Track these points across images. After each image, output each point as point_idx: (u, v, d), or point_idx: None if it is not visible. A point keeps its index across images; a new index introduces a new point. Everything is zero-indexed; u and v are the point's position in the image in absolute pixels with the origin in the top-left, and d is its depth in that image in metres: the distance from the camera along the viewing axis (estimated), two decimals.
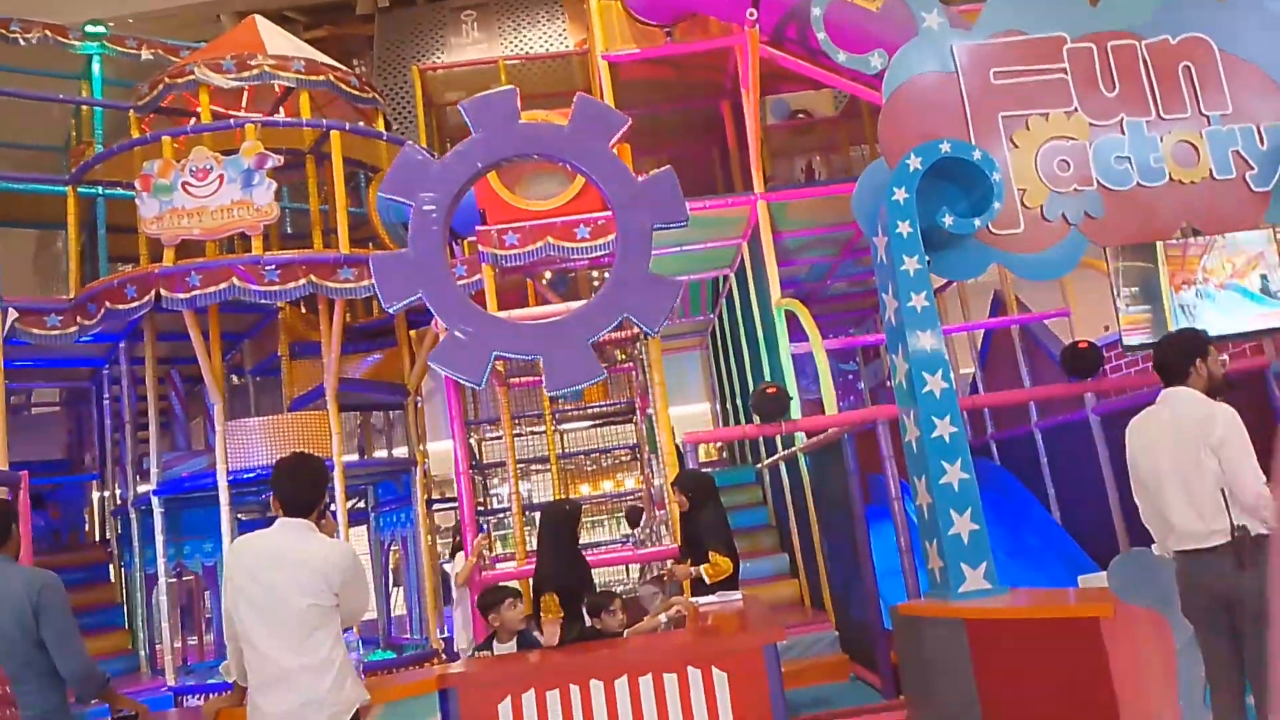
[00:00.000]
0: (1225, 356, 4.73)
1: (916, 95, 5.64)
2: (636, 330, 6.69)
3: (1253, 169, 5.66)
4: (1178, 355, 3.79)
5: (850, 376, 13.67)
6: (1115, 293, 5.67)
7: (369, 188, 9.87)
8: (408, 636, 9.70)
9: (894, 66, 5.67)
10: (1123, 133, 5.65)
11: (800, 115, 13.32)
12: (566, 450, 10.54)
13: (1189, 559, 3.57)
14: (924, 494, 5.10)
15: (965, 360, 10.97)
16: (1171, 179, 5.63)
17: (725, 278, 10.94)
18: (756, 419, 6.86)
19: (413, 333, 9.44)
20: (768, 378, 8.73)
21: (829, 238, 9.60)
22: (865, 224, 5.56)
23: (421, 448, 9.68)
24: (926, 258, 5.24)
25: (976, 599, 4.79)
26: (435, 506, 10.04)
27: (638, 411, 9.39)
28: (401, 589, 10.18)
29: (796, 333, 8.21)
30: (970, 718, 4.56)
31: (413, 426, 9.36)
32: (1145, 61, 5.73)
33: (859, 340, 10.69)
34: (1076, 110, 5.66)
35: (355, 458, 10.81)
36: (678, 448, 7.52)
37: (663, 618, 4.08)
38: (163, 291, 7.85)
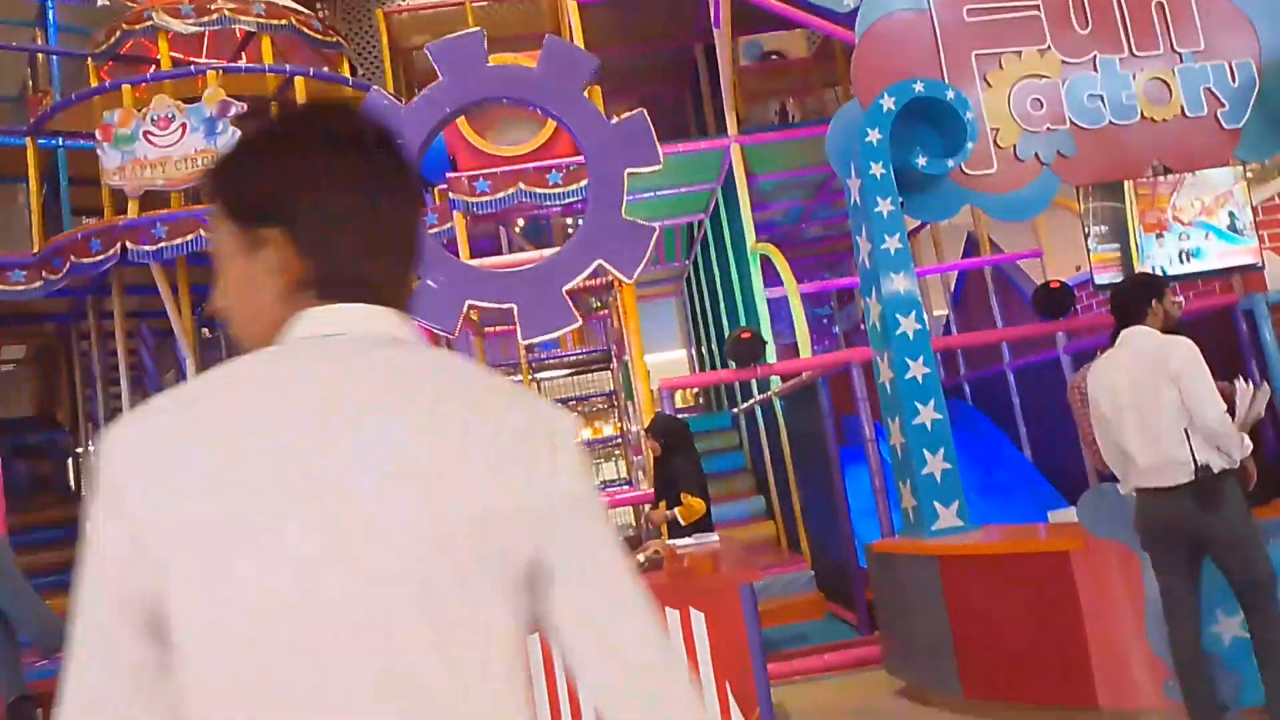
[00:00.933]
0: (1180, 298, 4.78)
1: (889, 34, 5.59)
2: (612, 277, 6.66)
3: (1223, 106, 5.67)
4: (1135, 296, 3.80)
5: (825, 320, 13.72)
6: (1086, 232, 5.70)
7: None
8: None
9: (866, 5, 5.61)
10: (1095, 70, 5.63)
11: (773, 57, 13.17)
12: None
13: (1150, 497, 3.61)
14: (897, 435, 5.15)
15: (939, 302, 11.03)
16: (1143, 117, 5.63)
17: (700, 223, 10.89)
18: (732, 364, 6.88)
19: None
20: (743, 323, 8.74)
21: (803, 180, 9.56)
22: (839, 166, 5.53)
23: None
24: (900, 199, 5.24)
25: (949, 536, 4.87)
26: None
27: (614, 359, 9.40)
28: None
29: (771, 277, 8.20)
30: (943, 651, 4.66)
31: None
32: (1119, 0, 5.70)
33: (833, 284, 10.72)
34: (1049, 48, 5.62)
35: None
36: (654, 394, 7.55)
37: (640, 557, 4.12)
38: (128, 244, 7.72)
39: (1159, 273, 5.53)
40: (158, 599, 0.86)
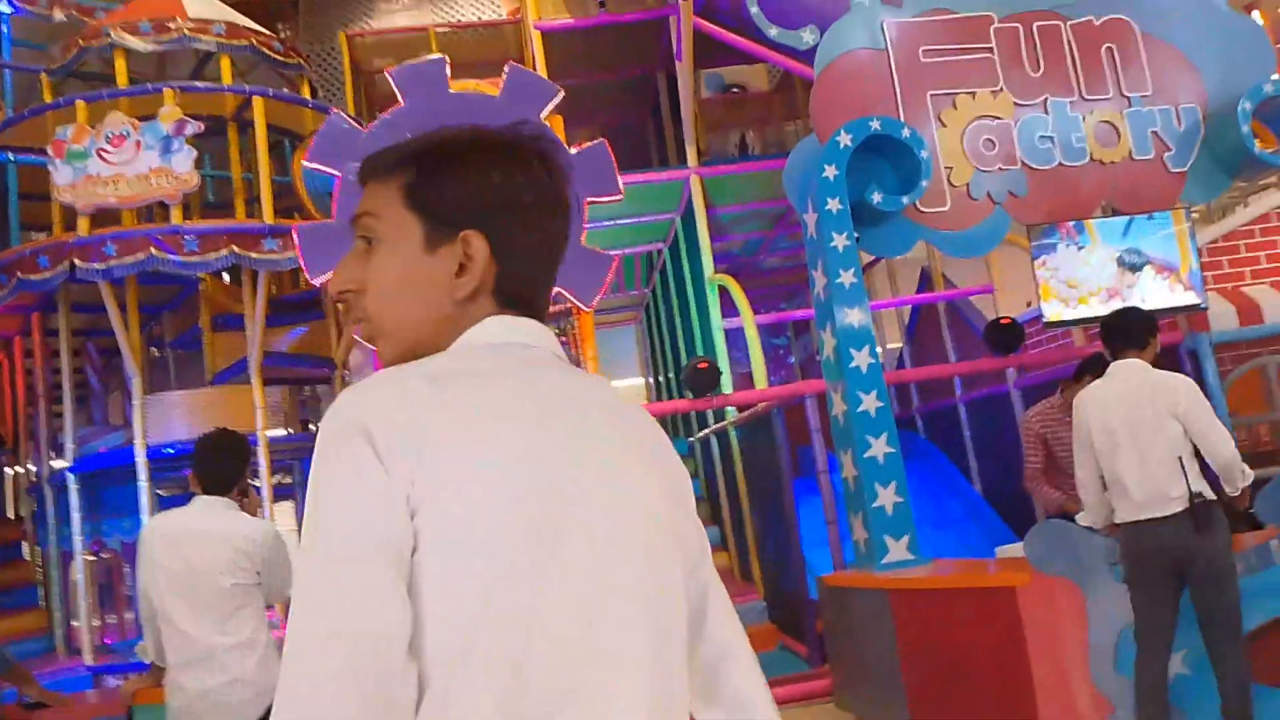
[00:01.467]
0: None
1: (847, 71, 5.67)
2: (570, 304, 6.66)
3: (1170, 149, 5.82)
4: (1139, 328, 3.92)
5: (781, 350, 13.80)
6: (1035, 270, 5.80)
7: (294, 156, 9.61)
8: None
9: (825, 42, 5.69)
10: (1046, 112, 5.76)
11: (735, 90, 13.32)
12: None
13: (1143, 527, 3.67)
14: (850, 467, 5.18)
15: (893, 335, 11.16)
16: (1093, 158, 5.76)
17: (659, 252, 10.93)
18: (689, 393, 6.89)
19: (341, 305, 9.25)
20: (700, 352, 8.77)
21: (762, 212, 9.64)
22: (796, 200, 5.59)
23: None
24: (855, 234, 5.30)
25: (899, 569, 4.90)
26: None
27: None
28: None
29: (729, 307, 8.25)
30: (893, 684, 4.67)
31: None
32: (1069, 42, 5.84)
33: (789, 315, 10.79)
34: (1002, 89, 5.74)
35: (282, 433, 10.60)
36: None
37: None
38: (77, 262, 7.57)
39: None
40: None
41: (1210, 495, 3.64)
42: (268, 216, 8.18)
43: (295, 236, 6.15)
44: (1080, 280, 5.75)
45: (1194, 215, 6.01)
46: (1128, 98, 5.84)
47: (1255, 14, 12.83)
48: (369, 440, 0.84)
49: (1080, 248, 5.76)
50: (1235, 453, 3.68)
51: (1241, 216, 7.11)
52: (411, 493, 0.83)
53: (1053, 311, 5.81)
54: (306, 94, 9.63)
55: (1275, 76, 5.78)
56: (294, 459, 10.12)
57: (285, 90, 9.28)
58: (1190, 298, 5.86)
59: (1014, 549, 5.01)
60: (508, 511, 0.86)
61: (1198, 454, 3.72)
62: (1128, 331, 3.92)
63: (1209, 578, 3.62)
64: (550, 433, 0.91)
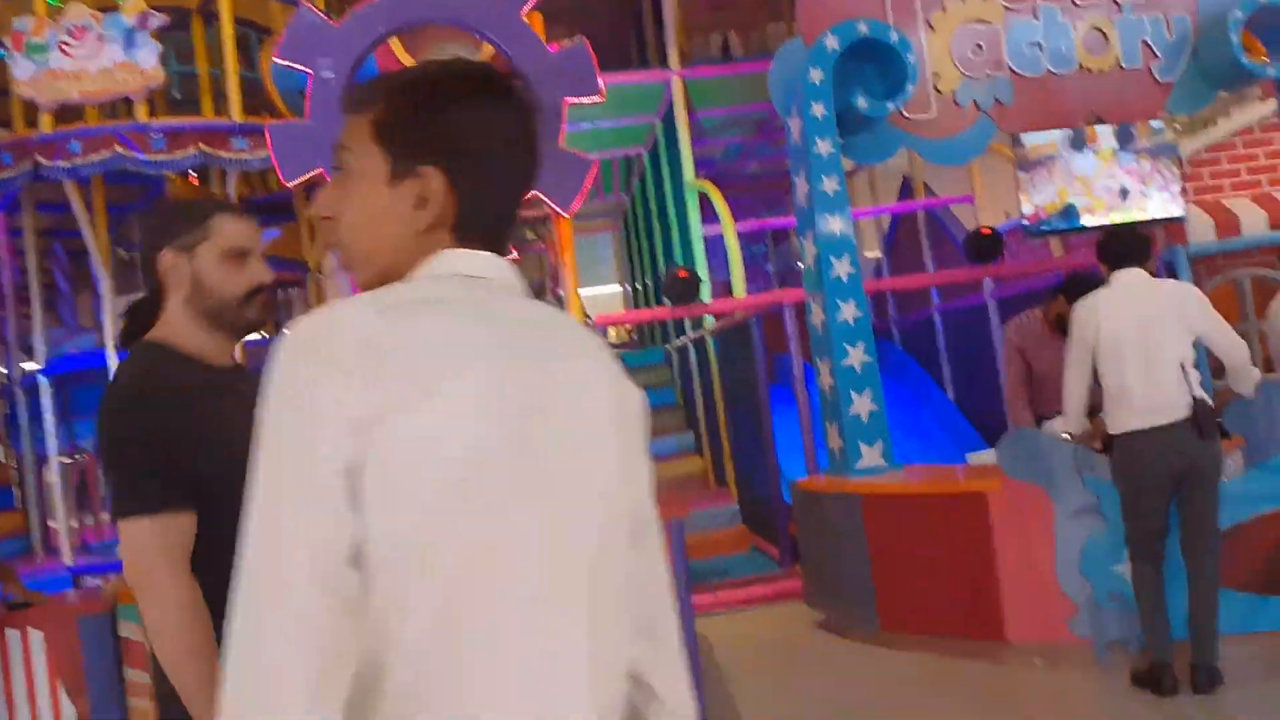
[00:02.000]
0: None
1: None
2: (548, 209, 6.57)
3: (1158, 59, 5.75)
4: (1140, 241, 4.02)
5: (759, 258, 13.76)
6: (1018, 180, 5.77)
7: (261, 51, 9.31)
8: None
9: None
10: (1037, 18, 5.65)
11: None
12: None
13: (1149, 435, 3.72)
14: (826, 375, 5.22)
15: (872, 243, 11.13)
16: (1081, 66, 5.68)
17: (639, 157, 10.77)
18: (667, 301, 6.88)
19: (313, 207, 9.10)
20: (679, 260, 8.73)
21: (745, 117, 9.50)
22: (780, 104, 5.50)
23: None
24: (839, 140, 5.23)
25: (872, 475, 4.99)
26: None
27: (548, 292, 9.33)
28: None
29: (709, 214, 8.18)
30: (863, 586, 4.80)
31: (315, 303, 9.13)
32: None
33: (769, 223, 10.72)
34: None
35: (255, 336, 10.52)
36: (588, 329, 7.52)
37: None
38: (40, 159, 7.36)
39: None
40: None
41: (1209, 402, 3.72)
42: (236, 114, 7.96)
43: (268, 136, 6.00)
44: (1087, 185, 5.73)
45: (1177, 126, 5.97)
46: (1119, 4, 5.74)
47: None
48: (321, 360, 0.87)
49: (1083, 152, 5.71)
50: (1248, 353, 3.90)
51: (1224, 128, 7.07)
52: (363, 413, 0.85)
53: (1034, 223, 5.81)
54: None
55: None
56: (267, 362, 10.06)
57: None
58: (1171, 209, 5.86)
59: (985, 456, 5.10)
60: (460, 444, 0.88)
61: (1196, 364, 3.81)
62: (1130, 245, 3.98)
63: (1206, 483, 3.72)
64: (509, 371, 0.93)
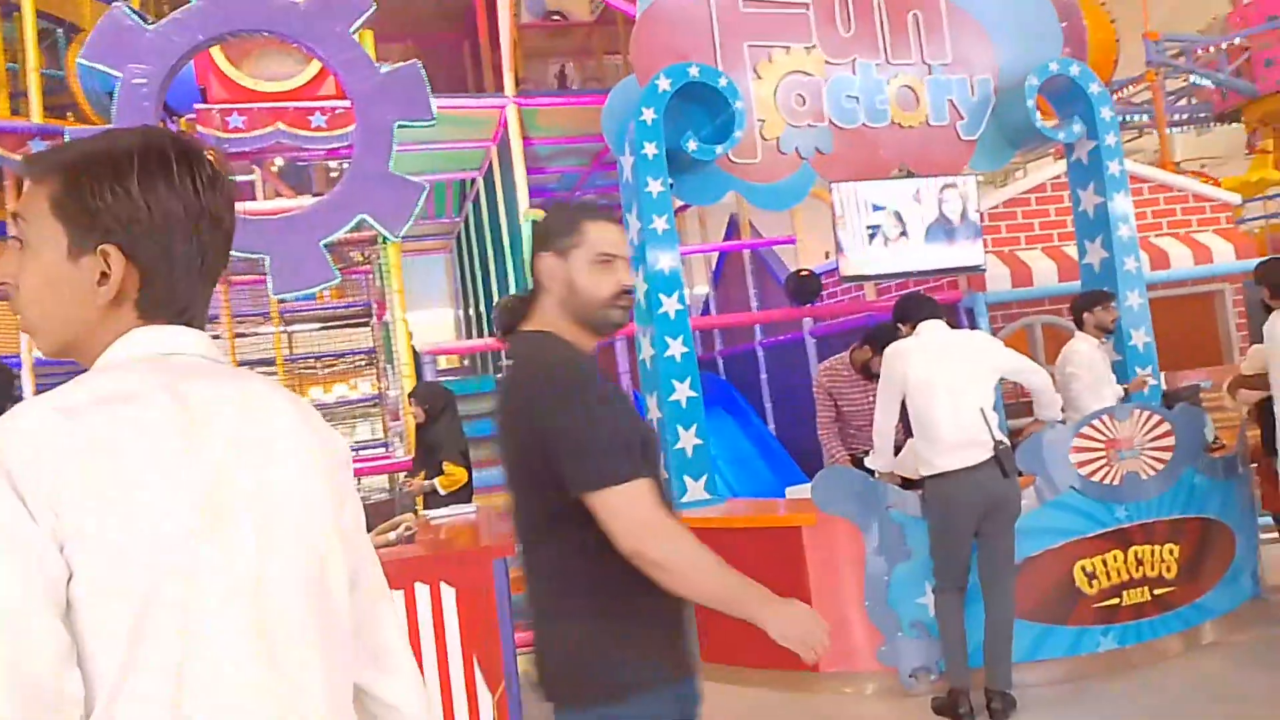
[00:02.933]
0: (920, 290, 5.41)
1: (669, 14, 5.65)
2: (376, 233, 6.40)
3: (963, 118, 6.16)
4: (931, 301, 4.36)
5: None
6: (835, 225, 6.05)
7: (69, 48, 8.69)
8: None
9: None
10: (854, 73, 5.96)
11: (556, 16, 13.05)
12: (295, 353, 10.01)
13: (958, 475, 3.95)
14: (654, 409, 5.29)
15: (701, 278, 11.42)
16: (893, 121, 6.02)
17: (473, 181, 10.66)
18: (498, 331, 6.81)
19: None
20: (513, 287, 8.67)
21: (580, 148, 9.55)
22: (614, 141, 5.56)
23: None
24: (669, 181, 5.34)
25: (697, 508, 5.08)
26: None
27: (374, 315, 9.07)
28: None
29: None
30: None
31: None
32: (879, 6, 6.04)
33: None
34: (816, 47, 5.89)
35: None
36: (416, 357, 7.36)
37: (391, 535, 4.01)
38: None
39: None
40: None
41: (1008, 443, 4.00)
42: (36, 115, 7.39)
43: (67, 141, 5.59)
44: (879, 238, 6.06)
45: (979, 180, 6.41)
46: (929, 65, 6.13)
47: None
48: (10, 481, 0.88)
49: (878, 208, 6.05)
50: (1050, 380, 4.32)
51: (1020, 185, 7.66)
52: (56, 527, 0.88)
53: (850, 267, 6.10)
54: None
55: (1060, 56, 6.21)
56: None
57: None
58: (972, 259, 6.29)
59: (803, 489, 5.29)
60: (151, 546, 0.92)
61: (995, 407, 4.13)
62: (923, 304, 4.32)
63: (1008, 518, 3.99)
64: (198, 448, 0.97)
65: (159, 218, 1.01)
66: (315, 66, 6.98)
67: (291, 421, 1.08)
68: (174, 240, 1.02)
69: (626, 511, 1.66)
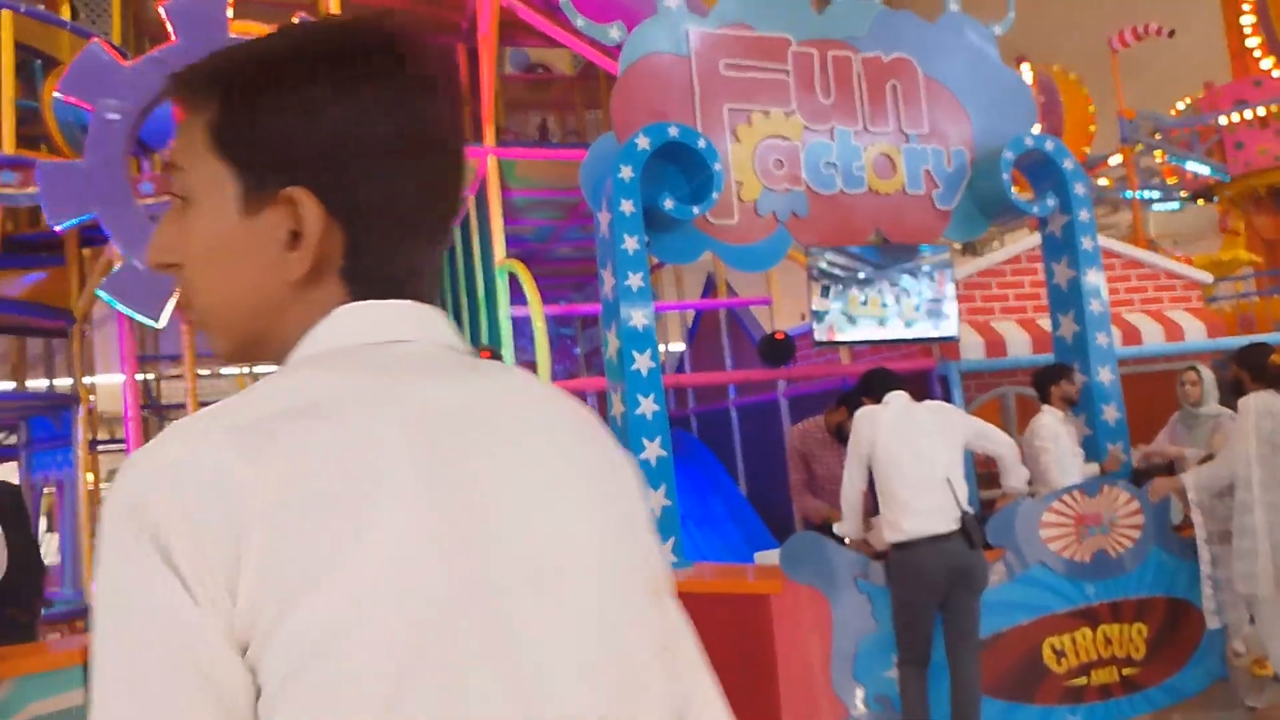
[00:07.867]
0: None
1: (650, 74, 5.68)
2: None
3: (938, 187, 6.21)
4: (895, 375, 4.42)
5: (567, 339, 13.80)
6: (810, 289, 6.05)
7: (45, 80, 8.62)
8: (58, 590, 8.74)
9: (631, 41, 5.67)
10: (832, 139, 6.00)
11: (539, 69, 13.17)
12: None
13: (924, 545, 3.92)
14: None
15: (676, 334, 11.40)
16: (870, 188, 6.05)
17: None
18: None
19: (86, 251, 8.39)
20: (486, 339, 8.59)
21: (557, 201, 9.56)
22: (591, 197, 5.55)
23: (88, 382, 8.68)
24: (646, 238, 5.32)
25: None
26: (103, 447, 9.04)
27: None
28: (56, 536, 9.15)
29: (518, 293, 8.11)
30: None
31: (77, 358, 8.35)
32: (859, 75, 6.11)
33: (578, 308, 10.77)
34: (794, 112, 5.93)
35: (8, 386, 9.53)
36: None
37: None
38: None
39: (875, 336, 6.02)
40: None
41: (975, 515, 3.98)
42: (8, 145, 7.28)
43: (35, 174, 5.49)
44: (856, 304, 6.06)
45: (955, 250, 6.45)
46: (906, 134, 6.18)
47: (1025, 66, 14.03)
48: (156, 542, 0.57)
49: (857, 277, 6.06)
50: (1016, 450, 4.38)
51: (995, 256, 7.72)
52: (236, 617, 0.57)
53: (824, 333, 6.09)
54: (66, 14, 8.67)
55: (1035, 130, 6.30)
56: (20, 417, 9.12)
57: (40, 7, 8.30)
58: (946, 328, 6.29)
59: (771, 555, 5.21)
60: (386, 624, 0.59)
61: (964, 478, 4.12)
62: (887, 378, 4.37)
63: (975, 590, 3.95)
64: (439, 483, 0.64)
65: (363, 141, 0.69)
66: None
67: (571, 437, 0.77)
68: (388, 174, 0.70)
69: None
